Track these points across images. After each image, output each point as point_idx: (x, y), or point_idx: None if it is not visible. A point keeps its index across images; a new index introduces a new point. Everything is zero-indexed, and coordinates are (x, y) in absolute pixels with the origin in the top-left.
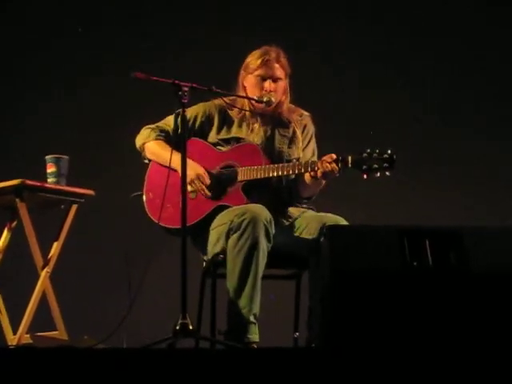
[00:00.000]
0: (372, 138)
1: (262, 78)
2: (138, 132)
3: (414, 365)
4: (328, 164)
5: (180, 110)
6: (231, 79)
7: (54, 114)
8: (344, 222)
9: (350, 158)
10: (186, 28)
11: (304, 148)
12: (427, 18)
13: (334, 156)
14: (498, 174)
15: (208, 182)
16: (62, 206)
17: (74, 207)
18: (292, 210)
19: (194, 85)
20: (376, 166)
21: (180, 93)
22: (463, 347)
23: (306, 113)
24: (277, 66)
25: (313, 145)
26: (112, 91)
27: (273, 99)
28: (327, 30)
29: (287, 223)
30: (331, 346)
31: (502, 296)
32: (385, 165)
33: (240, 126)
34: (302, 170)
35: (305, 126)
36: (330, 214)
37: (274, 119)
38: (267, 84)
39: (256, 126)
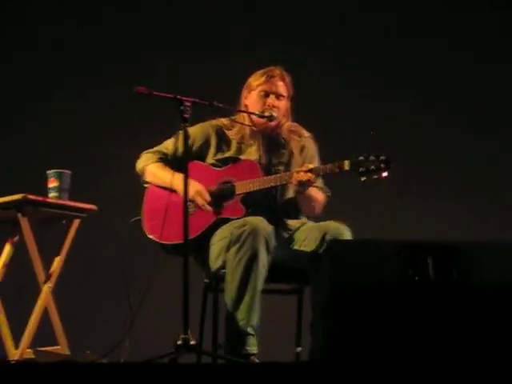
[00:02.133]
0: (371, 144)
1: (266, 93)
2: (139, 150)
3: (415, 378)
4: (302, 173)
5: (179, 132)
6: (233, 96)
7: (55, 127)
8: (345, 230)
9: (347, 162)
10: (187, 42)
11: None
12: (428, 18)
13: (310, 165)
14: (500, 186)
15: (208, 197)
16: (64, 221)
17: (76, 222)
18: (291, 222)
19: (196, 100)
20: (373, 167)
21: (182, 107)
22: (465, 360)
23: (306, 133)
24: (281, 83)
25: (316, 164)
26: (114, 104)
27: (275, 114)
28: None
29: (287, 236)
30: (333, 359)
31: (503, 309)
32: (382, 165)
33: (237, 147)
34: (281, 182)
35: (302, 148)
36: (330, 222)
37: (271, 141)
38: (270, 99)
39: (254, 149)
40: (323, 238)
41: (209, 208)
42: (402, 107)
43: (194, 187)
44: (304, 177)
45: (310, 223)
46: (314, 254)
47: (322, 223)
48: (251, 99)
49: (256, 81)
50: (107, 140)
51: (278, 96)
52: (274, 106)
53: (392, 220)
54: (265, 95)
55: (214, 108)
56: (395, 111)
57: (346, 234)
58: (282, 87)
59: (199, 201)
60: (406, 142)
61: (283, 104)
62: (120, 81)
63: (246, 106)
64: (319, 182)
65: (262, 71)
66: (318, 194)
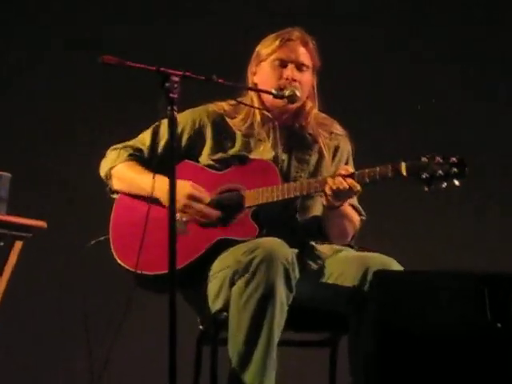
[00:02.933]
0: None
1: (281, 62)
2: (104, 147)
3: None
4: (341, 179)
5: (161, 120)
6: (236, 74)
7: None
8: (396, 265)
9: (403, 165)
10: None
11: None
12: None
13: (351, 169)
14: None
15: (207, 199)
16: (2, 243)
17: (19, 245)
18: (322, 249)
19: (188, 73)
20: (441, 172)
21: (167, 84)
22: None
23: (340, 130)
24: (302, 49)
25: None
26: (71, 91)
27: (298, 93)
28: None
29: (316, 266)
30: None
31: None
32: (453, 170)
33: (244, 141)
34: (308, 191)
35: (336, 149)
36: (375, 254)
37: (292, 134)
38: (288, 71)
39: (267, 145)
40: (366, 271)
41: (212, 212)
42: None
43: (185, 190)
44: (343, 184)
45: (347, 251)
46: (354, 292)
47: (363, 253)
48: (262, 74)
49: (267, 47)
50: (59, 134)
51: (300, 66)
52: (294, 80)
53: (463, 247)
54: (280, 65)
55: (212, 87)
56: (469, 106)
57: (396, 267)
58: (304, 55)
59: (194, 208)
60: (482, 143)
61: (307, 78)
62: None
63: (255, 84)
64: (354, 199)
65: (274, 35)
66: (353, 213)
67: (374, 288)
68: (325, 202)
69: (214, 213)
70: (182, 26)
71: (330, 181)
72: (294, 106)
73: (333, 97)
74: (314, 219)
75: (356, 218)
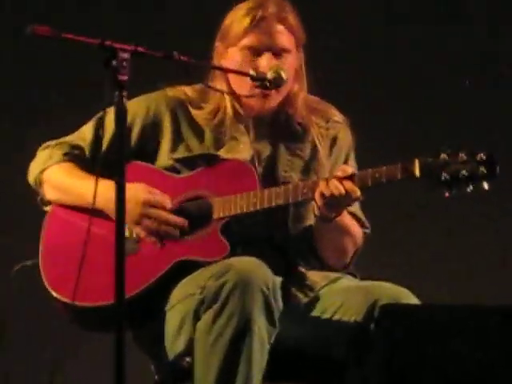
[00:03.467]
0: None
1: (255, 50)
2: (34, 144)
3: None
4: (336, 182)
5: (106, 110)
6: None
7: None
8: (410, 297)
9: (417, 163)
10: None
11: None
12: None
13: (350, 169)
14: None
15: (168, 204)
16: None
17: None
18: (314, 276)
19: (140, 48)
20: (465, 172)
21: (115, 63)
22: None
23: (337, 116)
24: (280, 27)
25: (352, 167)
26: None
27: (283, 74)
28: None
29: (305, 299)
30: None
31: None
32: (481, 170)
33: (214, 136)
34: (295, 197)
35: (334, 140)
36: (384, 283)
37: (277, 126)
38: (264, 61)
39: (244, 137)
40: (372, 306)
41: (178, 220)
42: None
43: (138, 195)
44: (339, 189)
45: (348, 279)
46: (356, 332)
47: (367, 282)
48: (231, 61)
49: (236, 28)
50: None
51: (279, 52)
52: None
53: (493, 274)
54: (253, 53)
55: (171, 67)
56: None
57: (411, 299)
58: (282, 35)
59: (153, 217)
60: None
61: (289, 62)
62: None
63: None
64: (355, 206)
65: (245, 6)
66: (354, 225)
67: (381, 326)
68: (316, 212)
69: (180, 220)
70: None
71: (322, 185)
72: (280, 93)
73: (328, 79)
74: (306, 234)
75: (357, 230)
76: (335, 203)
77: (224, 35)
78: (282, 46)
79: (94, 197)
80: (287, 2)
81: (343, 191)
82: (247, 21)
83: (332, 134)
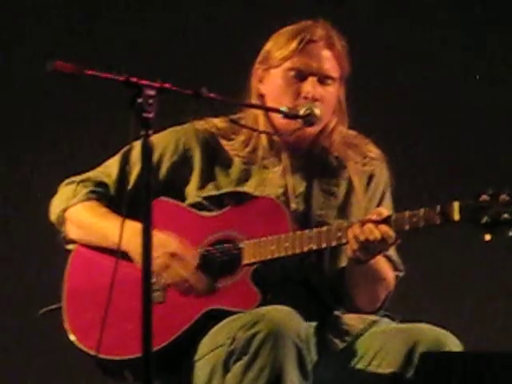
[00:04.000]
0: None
1: (300, 73)
2: (57, 179)
3: None
4: (373, 227)
5: (132, 145)
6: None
7: None
8: (451, 339)
9: (455, 206)
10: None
11: None
12: None
13: (385, 212)
14: None
15: (195, 262)
16: None
17: None
18: (351, 320)
19: (167, 85)
20: (507, 215)
21: (140, 100)
22: None
23: (374, 152)
24: (327, 53)
25: (388, 207)
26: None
27: (317, 111)
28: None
29: (342, 345)
30: None
31: None
32: None
33: (245, 171)
34: (328, 242)
35: (371, 178)
36: (426, 326)
37: (312, 160)
38: (308, 86)
39: (276, 172)
40: (411, 351)
41: (199, 283)
42: None
43: (165, 246)
44: (373, 234)
45: (385, 323)
46: (395, 380)
47: (406, 326)
48: (271, 85)
49: (280, 49)
50: None
51: (324, 78)
52: (315, 99)
53: None
54: (297, 76)
55: (200, 104)
56: None
57: (453, 345)
58: (329, 62)
59: (177, 270)
60: None
61: (332, 93)
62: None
63: (262, 96)
64: (391, 249)
65: (289, 30)
66: (387, 269)
67: (420, 376)
68: (349, 254)
69: (203, 282)
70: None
71: (356, 229)
72: (314, 128)
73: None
74: (342, 275)
75: (390, 274)
76: (370, 247)
77: (266, 57)
78: (329, 73)
79: (120, 239)
80: (335, 30)
81: (378, 236)
82: (294, 44)
83: (368, 171)
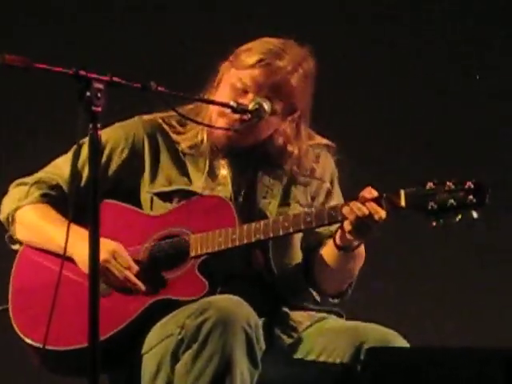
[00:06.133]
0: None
1: (244, 86)
2: (6, 180)
3: None
4: (361, 205)
5: (81, 141)
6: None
7: None
8: (399, 340)
9: (402, 193)
10: None
11: (322, 202)
12: None
13: (375, 191)
14: None
15: (133, 263)
16: None
17: None
18: (297, 317)
19: (115, 78)
20: (453, 201)
21: (88, 94)
22: None
23: (323, 141)
24: (276, 85)
25: (337, 197)
26: None
27: (266, 106)
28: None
29: (289, 341)
30: None
31: None
32: (469, 199)
33: (191, 165)
34: (313, 224)
35: (317, 158)
36: (372, 325)
37: (254, 150)
38: (245, 100)
39: (221, 165)
40: (359, 350)
41: (138, 283)
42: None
43: (106, 246)
44: (362, 210)
45: (334, 320)
46: (342, 374)
47: (353, 323)
48: (227, 82)
49: (246, 57)
50: None
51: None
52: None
53: (488, 314)
54: (242, 90)
55: (149, 99)
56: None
57: (399, 342)
58: (276, 91)
59: (116, 271)
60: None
61: (270, 121)
62: None
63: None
64: None
65: (263, 44)
66: (362, 249)
67: (368, 370)
68: (338, 241)
69: (138, 283)
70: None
71: (355, 205)
72: (250, 139)
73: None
74: (294, 270)
75: (363, 253)
76: (362, 228)
77: (235, 56)
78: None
79: (66, 243)
80: (308, 60)
81: (369, 211)
82: (255, 59)
83: (314, 154)
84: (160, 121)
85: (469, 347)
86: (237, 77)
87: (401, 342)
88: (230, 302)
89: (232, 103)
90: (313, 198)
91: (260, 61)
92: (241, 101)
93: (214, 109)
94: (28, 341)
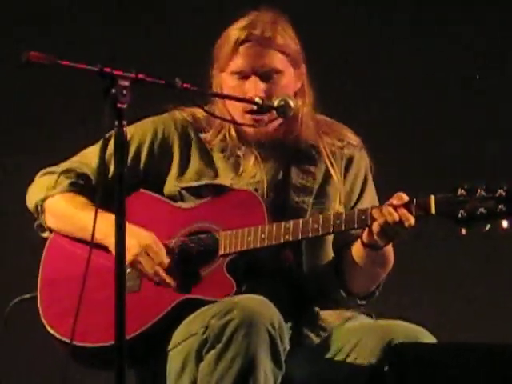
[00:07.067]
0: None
1: (241, 74)
2: (34, 168)
3: None
4: (393, 211)
5: (109, 134)
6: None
7: None
8: (426, 335)
9: (432, 199)
10: None
11: (355, 202)
12: None
13: (406, 197)
14: None
15: (166, 259)
16: None
17: None
18: (327, 316)
19: (141, 76)
20: (483, 210)
21: (114, 91)
22: None
23: (353, 139)
24: (267, 51)
25: (371, 193)
26: None
27: (291, 103)
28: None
29: (318, 340)
30: None
31: None
32: (500, 207)
33: (220, 161)
34: (343, 228)
35: (350, 161)
36: (398, 322)
37: (285, 149)
38: (250, 85)
39: (249, 162)
40: (388, 345)
41: (167, 280)
42: None
43: (140, 240)
44: (393, 216)
45: (363, 318)
46: (371, 373)
47: (383, 322)
48: (225, 86)
49: (223, 52)
50: None
51: (267, 74)
52: (259, 97)
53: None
54: (241, 78)
55: (174, 95)
56: None
57: (427, 338)
58: (270, 57)
59: (147, 266)
60: None
61: (283, 85)
62: None
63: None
64: None
65: (231, 29)
66: (391, 251)
67: (394, 364)
68: (365, 240)
69: (169, 281)
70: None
71: (387, 210)
72: (276, 122)
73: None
74: (325, 269)
75: (392, 256)
76: (389, 231)
77: (215, 59)
78: (270, 68)
79: (93, 229)
80: (281, 18)
81: (397, 218)
82: (230, 45)
83: (347, 155)
84: (190, 117)
85: (495, 344)
86: (229, 75)
87: (429, 338)
88: (254, 303)
89: (257, 100)
90: (347, 197)
91: (235, 43)
92: (248, 91)
93: (235, 106)
94: (56, 335)
